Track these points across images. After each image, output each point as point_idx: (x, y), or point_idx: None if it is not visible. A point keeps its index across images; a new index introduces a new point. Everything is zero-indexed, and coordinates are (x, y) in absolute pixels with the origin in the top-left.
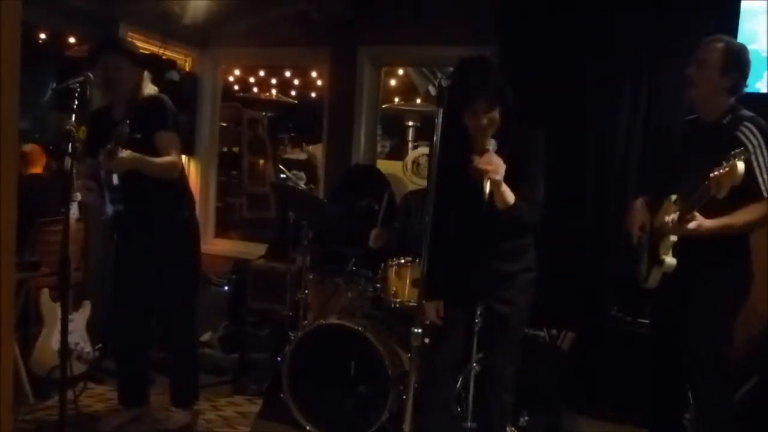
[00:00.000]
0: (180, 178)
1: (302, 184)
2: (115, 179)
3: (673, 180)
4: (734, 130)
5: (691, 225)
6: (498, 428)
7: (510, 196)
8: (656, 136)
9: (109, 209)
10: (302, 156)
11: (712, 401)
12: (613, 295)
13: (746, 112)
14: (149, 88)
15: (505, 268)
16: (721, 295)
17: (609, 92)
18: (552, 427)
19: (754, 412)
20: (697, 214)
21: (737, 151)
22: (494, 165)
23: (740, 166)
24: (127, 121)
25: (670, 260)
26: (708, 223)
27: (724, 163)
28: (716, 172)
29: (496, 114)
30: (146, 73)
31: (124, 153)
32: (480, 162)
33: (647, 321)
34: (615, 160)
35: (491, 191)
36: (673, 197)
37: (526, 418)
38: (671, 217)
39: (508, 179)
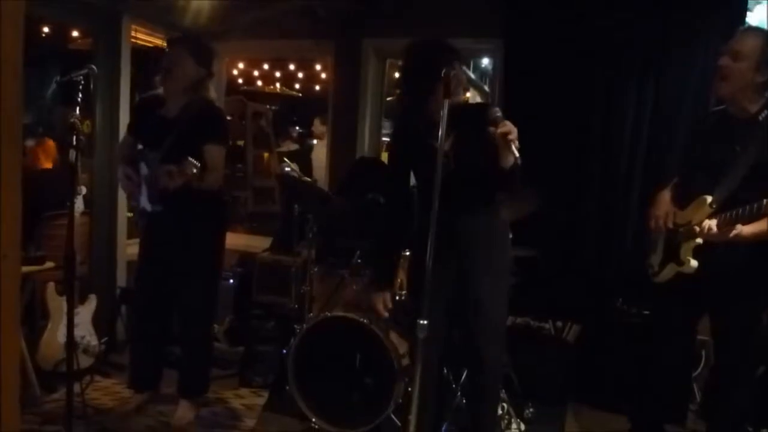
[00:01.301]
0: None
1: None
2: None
3: (705, 177)
4: None
5: (732, 233)
6: (490, 415)
7: (510, 158)
8: (662, 128)
9: (146, 205)
10: (293, 147)
11: (741, 383)
12: (618, 287)
13: None
14: (210, 94)
15: (479, 254)
16: (751, 291)
17: (615, 85)
18: (557, 418)
19: (762, 399)
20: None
21: None
22: (515, 131)
23: None
24: (197, 163)
25: (693, 263)
26: (747, 230)
27: None
28: None
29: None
30: (211, 78)
31: (181, 179)
32: (502, 128)
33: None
34: (622, 153)
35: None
36: (709, 199)
37: (532, 410)
38: (708, 224)
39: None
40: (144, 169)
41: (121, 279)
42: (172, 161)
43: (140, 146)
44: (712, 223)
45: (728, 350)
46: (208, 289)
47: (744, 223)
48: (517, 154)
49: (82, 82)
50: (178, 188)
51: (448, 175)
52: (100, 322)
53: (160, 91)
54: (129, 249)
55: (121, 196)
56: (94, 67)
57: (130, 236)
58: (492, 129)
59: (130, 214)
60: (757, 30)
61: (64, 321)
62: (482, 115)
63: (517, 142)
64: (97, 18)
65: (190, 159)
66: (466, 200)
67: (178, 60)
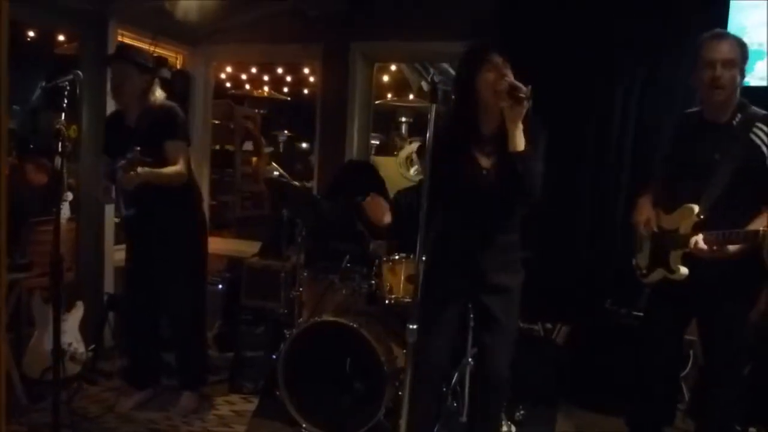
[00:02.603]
0: (188, 180)
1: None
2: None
3: (688, 183)
4: (747, 132)
5: (724, 254)
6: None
7: (522, 140)
8: (651, 129)
9: (123, 211)
10: (269, 149)
11: (729, 383)
12: (607, 288)
13: (756, 110)
14: (159, 95)
15: (497, 263)
16: (738, 294)
17: (605, 88)
18: (548, 420)
19: (748, 398)
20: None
21: None
22: (528, 89)
23: None
24: (138, 149)
25: (684, 271)
26: (733, 248)
27: None
28: None
29: (510, 74)
30: (156, 80)
31: (134, 171)
32: (509, 80)
33: (641, 314)
34: (611, 155)
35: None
36: (696, 209)
37: (522, 412)
38: (696, 242)
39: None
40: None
41: (109, 285)
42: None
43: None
44: (700, 241)
45: (716, 353)
46: (193, 282)
47: (718, 211)
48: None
49: (68, 87)
50: (138, 184)
51: (483, 191)
52: (87, 329)
53: (118, 106)
54: (117, 255)
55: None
56: (79, 72)
57: (117, 242)
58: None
59: (117, 220)
60: (730, 35)
61: (51, 328)
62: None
63: (526, 101)
64: (83, 22)
65: (135, 149)
66: (493, 219)
67: (123, 74)
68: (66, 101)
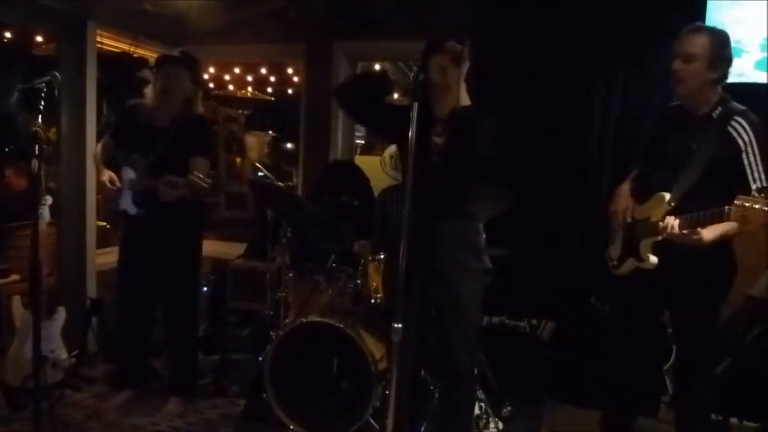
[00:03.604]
0: None
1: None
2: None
3: (663, 173)
4: (725, 125)
5: (695, 237)
6: (466, 417)
7: (466, 97)
8: (633, 124)
9: (129, 208)
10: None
11: (702, 375)
12: (591, 283)
13: (736, 105)
14: (199, 107)
15: (454, 255)
16: (710, 286)
17: (584, 86)
18: (534, 416)
19: (728, 390)
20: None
21: None
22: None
23: None
24: (199, 175)
25: (653, 259)
26: (708, 235)
27: (759, 197)
28: (746, 204)
29: (463, 64)
30: (200, 93)
31: (178, 190)
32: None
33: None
34: (591, 152)
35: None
36: (667, 196)
37: (509, 408)
38: (670, 223)
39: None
40: (129, 174)
41: (92, 289)
42: (161, 169)
43: (123, 152)
44: (675, 223)
45: (688, 344)
46: (191, 287)
47: (705, 226)
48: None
49: (45, 89)
50: (174, 199)
51: (434, 171)
52: (70, 335)
53: (146, 99)
54: (99, 258)
55: (90, 205)
56: (57, 74)
57: (100, 245)
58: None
59: (101, 223)
60: (703, 28)
61: (31, 335)
62: (473, 119)
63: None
64: (61, 23)
65: (198, 174)
66: (445, 199)
67: (176, 78)
68: (43, 103)
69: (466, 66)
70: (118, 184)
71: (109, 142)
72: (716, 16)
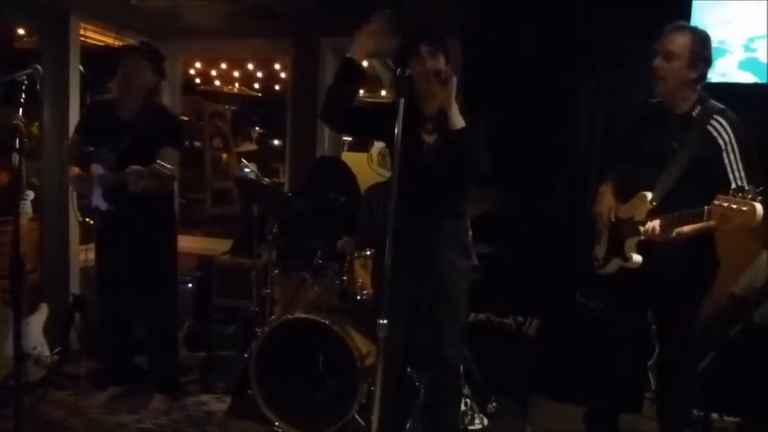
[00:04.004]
0: None
1: (252, 176)
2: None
3: (644, 171)
4: (705, 123)
5: (672, 234)
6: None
7: (459, 119)
8: (617, 122)
9: (101, 204)
10: (252, 147)
11: (684, 371)
12: (576, 280)
13: (716, 104)
14: (162, 97)
15: (444, 253)
16: (691, 284)
17: (572, 85)
18: (520, 412)
19: (710, 385)
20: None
21: (751, 188)
22: (448, 70)
23: (759, 209)
24: (167, 165)
25: (637, 258)
26: (687, 229)
27: (738, 197)
28: (725, 204)
29: (441, 62)
30: (164, 84)
31: (145, 180)
32: (432, 68)
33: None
34: (578, 150)
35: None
36: (649, 196)
37: (495, 404)
38: (651, 226)
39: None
40: (98, 170)
41: (75, 286)
42: (129, 163)
43: (91, 147)
44: (655, 224)
45: (671, 341)
46: (168, 282)
47: (685, 225)
48: (453, 94)
49: (26, 82)
50: (142, 190)
51: (426, 171)
52: (52, 332)
53: (112, 94)
54: (82, 255)
55: (73, 200)
56: (38, 66)
57: (83, 241)
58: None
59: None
60: (685, 27)
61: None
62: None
63: (452, 80)
64: (43, 16)
65: (161, 162)
66: (437, 199)
67: (136, 67)
68: (24, 96)
69: (453, 87)
70: (87, 179)
71: (77, 138)
72: (701, 17)
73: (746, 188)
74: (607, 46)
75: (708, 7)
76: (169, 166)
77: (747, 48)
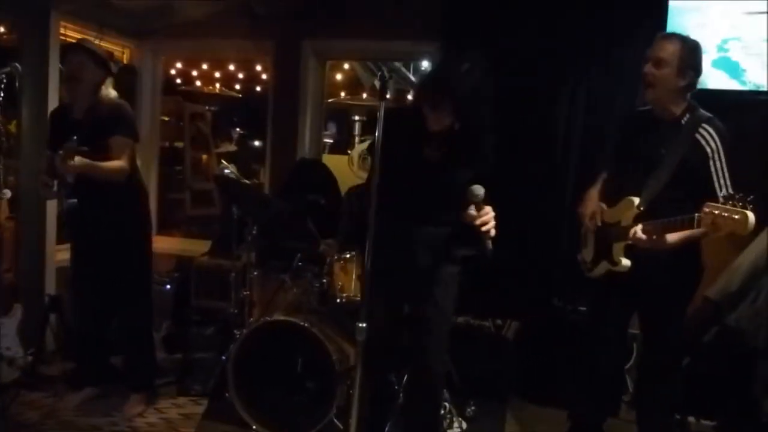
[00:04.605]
0: (132, 175)
1: (232, 176)
2: (69, 177)
3: (632, 177)
4: (693, 131)
5: (661, 240)
6: (432, 423)
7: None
8: (595, 127)
9: (66, 203)
10: (232, 148)
11: (667, 374)
12: (554, 284)
13: (704, 113)
14: (110, 93)
15: (429, 259)
16: (676, 288)
17: (550, 85)
18: (498, 415)
19: (686, 389)
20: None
21: (741, 196)
22: (492, 220)
23: (751, 218)
24: (75, 137)
25: (626, 262)
26: (671, 238)
27: (728, 204)
28: (716, 211)
29: (446, 119)
30: (109, 78)
31: (74, 160)
32: (482, 217)
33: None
34: (557, 154)
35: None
36: (636, 201)
37: (473, 407)
38: (635, 232)
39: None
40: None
41: (50, 286)
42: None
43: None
44: (638, 230)
45: (654, 344)
46: (141, 280)
47: (675, 232)
48: (490, 246)
49: (5, 80)
50: (75, 171)
51: (426, 180)
52: (27, 333)
53: (65, 99)
54: (59, 255)
55: (50, 201)
56: (17, 65)
57: (59, 241)
58: (471, 213)
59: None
60: (675, 36)
61: None
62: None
63: (493, 231)
64: (23, 13)
65: (73, 138)
66: (434, 212)
67: (79, 66)
68: (2, 94)
69: None
70: (50, 183)
71: (47, 151)
72: (678, 20)
73: (736, 196)
74: (586, 51)
75: (687, 11)
76: (74, 140)
77: (720, 48)
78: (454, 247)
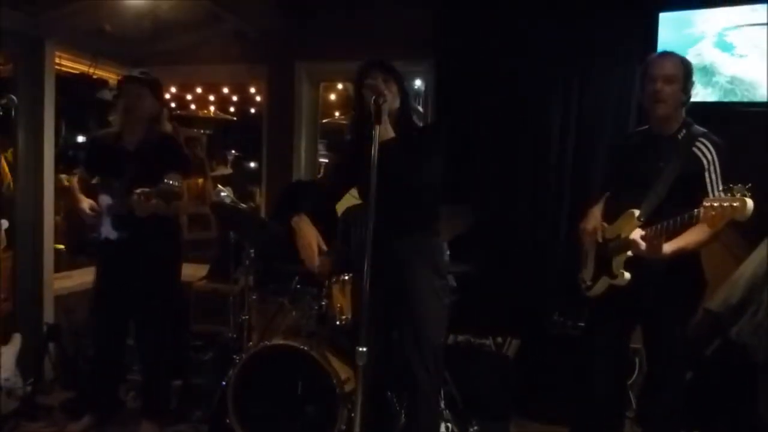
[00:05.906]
0: None
1: (228, 200)
2: (139, 212)
3: (632, 192)
4: (690, 145)
5: (657, 247)
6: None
7: (388, 131)
8: (587, 143)
9: (110, 234)
10: (227, 171)
11: (672, 388)
12: (554, 300)
13: (698, 128)
14: (166, 126)
15: (414, 273)
16: (679, 301)
17: (542, 101)
18: None
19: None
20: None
21: (739, 186)
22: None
23: (750, 203)
24: (167, 181)
25: (626, 275)
26: (668, 248)
27: (726, 195)
28: (715, 203)
29: (393, 89)
30: (165, 111)
31: (153, 201)
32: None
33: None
34: (550, 169)
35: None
36: (637, 212)
37: (476, 427)
38: (634, 238)
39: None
40: (106, 200)
41: (49, 315)
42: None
43: (96, 179)
44: (637, 236)
45: (658, 359)
46: (169, 310)
47: (670, 236)
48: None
49: (1, 111)
50: (150, 213)
51: (388, 194)
52: (26, 362)
53: (113, 126)
54: (57, 283)
55: (48, 228)
56: (13, 97)
57: (57, 270)
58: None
59: (59, 246)
60: (675, 54)
61: None
62: (426, 138)
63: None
64: (18, 43)
65: (166, 180)
66: (404, 220)
67: (137, 97)
68: None
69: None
70: (97, 210)
71: (83, 174)
72: (667, 32)
73: (734, 188)
74: (578, 61)
75: (675, 22)
76: (175, 183)
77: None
78: (433, 258)
